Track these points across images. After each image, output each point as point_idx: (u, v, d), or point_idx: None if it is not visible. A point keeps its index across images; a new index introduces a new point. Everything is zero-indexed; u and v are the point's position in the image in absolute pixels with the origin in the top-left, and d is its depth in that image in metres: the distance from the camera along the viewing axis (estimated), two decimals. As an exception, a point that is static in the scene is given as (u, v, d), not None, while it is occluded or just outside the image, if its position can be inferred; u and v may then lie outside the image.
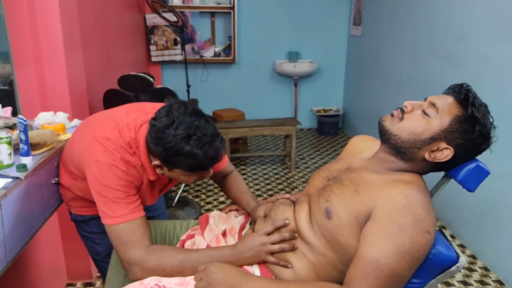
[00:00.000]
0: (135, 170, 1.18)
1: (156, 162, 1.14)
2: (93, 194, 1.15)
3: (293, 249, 1.07)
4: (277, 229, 1.10)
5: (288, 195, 1.23)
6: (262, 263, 1.10)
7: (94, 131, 1.18)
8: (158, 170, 1.17)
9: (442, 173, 1.14)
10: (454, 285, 2.20)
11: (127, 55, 3.51)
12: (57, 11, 1.79)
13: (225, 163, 1.45)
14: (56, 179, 1.39)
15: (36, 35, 1.79)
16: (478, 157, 1.06)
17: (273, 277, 1.08)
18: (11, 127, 1.47)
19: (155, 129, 1.07)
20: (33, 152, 1.31)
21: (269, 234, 1.10)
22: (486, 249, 2.36)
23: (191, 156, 1.06)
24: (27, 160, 1.25)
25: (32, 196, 1.24)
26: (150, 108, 1.26)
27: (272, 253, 1.09)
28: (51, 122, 1.58)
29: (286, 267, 1.07)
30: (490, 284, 2.20)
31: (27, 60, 1.79)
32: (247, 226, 1.26)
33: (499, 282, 2.21)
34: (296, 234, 1.09)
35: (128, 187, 1.14)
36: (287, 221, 1.10)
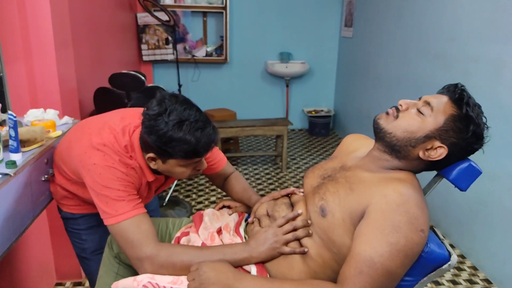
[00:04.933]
0: (134, 172, 1.18)
1: (151, 154, 1.13)
2: (93, 197, 1.14)
3: (307, 235, 1.06)
4: (288, 221, 1.09)
5: (293, 189, 1.22)
6: (276, 257, 1.07)
7: (90, 138, 1.19)
8: (152, 165, 1.16)
9: (434, 173, 1.15)
10: (443, 284, 2.22)
11: (118, 54, 3.48)
12: (47, 6, 1.76)
13: (224, 163, 1.46)
14: (46, 176, 1.37)
15: (25, 31, 1.76)
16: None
17: (268, 276, 1.07)
18: (1, 124, 1.44)
19: (148, 117, 1.08)
20: (23, 149, 1.29)
21: (280, 226, 1.09)
22: (475, 249, 2.39)
23: (184, 141, 1.06)
24: (17, 157, 1.23)
25: (21, 193, 1.22)
26: None
27: (287, 244, 1.07)
28: (41, 119, 1.56)
29: (303, 252, 1.05)
30: (478, 283, 2.22)
31: (16, 56, 1.76)
32: (243, 223, 1.26)
33: (487, 281, 2.24)
34: (309, 221, 1.07)
35: (128, 187, 1.13)
36: (300, 211, 1.09)
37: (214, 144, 1.14)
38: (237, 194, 1.43)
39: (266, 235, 1.07)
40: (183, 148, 1.07)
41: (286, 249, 1.06)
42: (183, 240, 1.21)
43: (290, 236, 1.06)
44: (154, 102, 1.10)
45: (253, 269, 1.06)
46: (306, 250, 1.05)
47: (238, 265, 1.06)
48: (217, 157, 1.42)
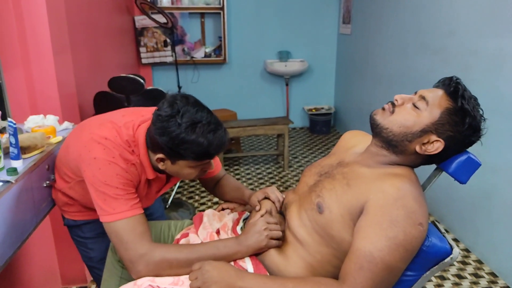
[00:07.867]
0: (134, 168, 1.17)
1: (160, 155, 1.13)
2: (91, 192, 1.13)
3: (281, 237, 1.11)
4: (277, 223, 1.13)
5: (280, 197, 1.24)
6: (264, 251, 1.10)
7: (90, 132, 1.18)
8: (160, 165, 1.16)
9: (434, 167, 1.15)
10: (448, 279, 2.22)
11: (116, 57, 3.49)
12: (44, 11, 1.77)
13: (220, 167, 1.46)
14: (48, 182, 1.38)
15: (23, 37, 1.77)
16: (469, 150, 1.07)
17: (268, 274, 1.08)
18: (1, 131, 1.45)
19: (161, 118, 1.08)
20: (24, 156, 1.29)
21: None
22: (479, 242, 2.38)
23: (197, 143, 1.07)
24: (18, 164, 1.24)
25: (23, 200, 1.23)
26: (146, 111, 1.27)
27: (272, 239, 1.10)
28: (41, 125, 1.57)
29: (279, 246, 1.10)
30: (483, 277, 2.22)
31: (15, 63, 1.77)
32: (241, 222, 1.26)
33: (492, 274, 2.23)
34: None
35: (127, 185, 1.13)
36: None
37: (225, 146, 1.15)
38: (230, 193, 1.43)
39: (254, 229, 1.10)
40: (195, 150, 1.08)
41: (273, 242, 1.09)
42: (182, 242, 1.21)
43: (276, 233, 1.09)
44: (165, 103, 1.10)
45: (248, 265, 1.07)
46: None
47: (231, 259, 1.08)
48: (215, 161, 1.43)
